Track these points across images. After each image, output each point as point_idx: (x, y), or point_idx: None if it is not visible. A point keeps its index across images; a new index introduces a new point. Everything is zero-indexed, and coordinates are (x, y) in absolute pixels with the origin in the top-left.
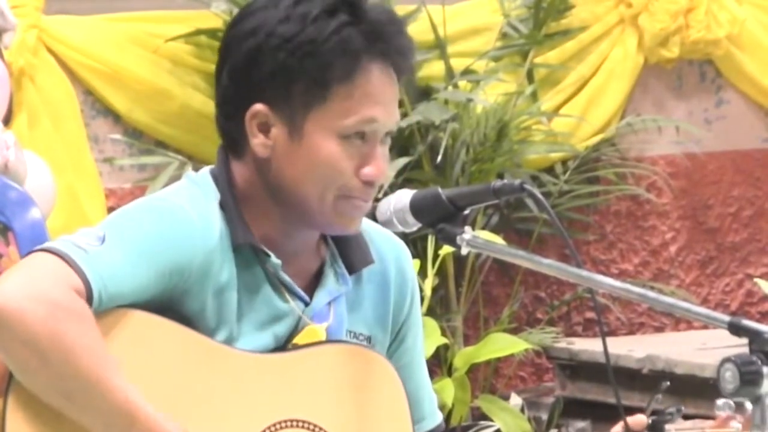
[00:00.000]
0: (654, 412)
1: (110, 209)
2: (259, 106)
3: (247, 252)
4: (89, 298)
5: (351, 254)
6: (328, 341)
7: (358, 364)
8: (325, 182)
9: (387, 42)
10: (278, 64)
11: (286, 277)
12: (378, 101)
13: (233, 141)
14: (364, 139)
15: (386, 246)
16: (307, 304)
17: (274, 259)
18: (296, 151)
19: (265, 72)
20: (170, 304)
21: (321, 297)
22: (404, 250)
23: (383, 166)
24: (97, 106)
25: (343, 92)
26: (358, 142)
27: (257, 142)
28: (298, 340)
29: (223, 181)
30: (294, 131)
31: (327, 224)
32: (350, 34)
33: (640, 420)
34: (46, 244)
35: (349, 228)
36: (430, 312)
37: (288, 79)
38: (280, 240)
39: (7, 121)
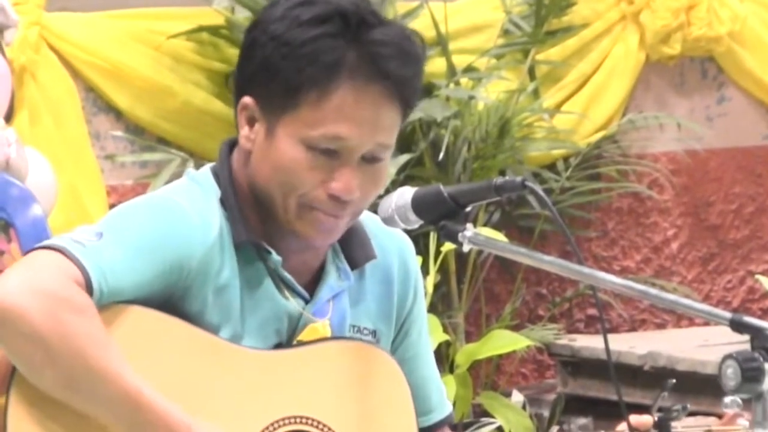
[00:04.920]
0: (659, 410)
1: (112, 206)
2: (248, 99)
3: (248, 249)
4: (89, 291)
5: (353, 249)
6: (332, 338)
7: (361, 360)
8: (286, 187)
9: (374, 64)
10: (263, 61)
11: (287, 275)
12: (350, 119)
13: (237, 131)
14: (335, 155)
15: (389, 240)
16: (307, 302)
17: (275, 256)
18: (267, 151)
19: (254, 66)
20: (171, 302)
21: (322, 293)
22: (407, 245)
23: (352, 185)
24: (98, 103)
25: (314, 102)
26: (326, 156)
27: (243, 133)
28: (302, 337)
29: (224, 177)
30: (269, 130)
31: (292, 229)
32: (329, 45)
33: (645, 420)
34: (44, 242)
35: (315, 239)
36: (431, 309)
37: (269, 77)
38: (280, 236)
39: (9, 118)
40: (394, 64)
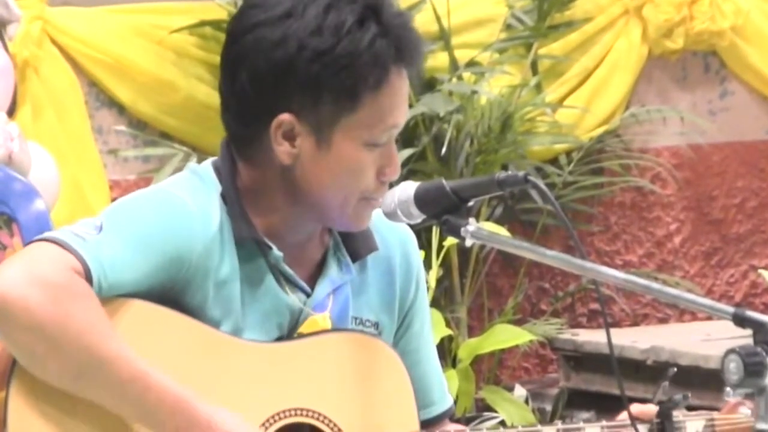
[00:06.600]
0: (660, 400)
1: (114, 201)
2: (285, 116)
3: (249, 244)
4: (89, 284)
5: (354, 242)
6: (333, 330)
7: (362, 352)
8: (350, 188)
9: (408, 50)
10: (311, 77)
11: (288, 269)
12: (398, 105)
13: (246, 144)
14: (384, 142)
15: (391, 233)
16: (308, 295)
17: (276, 252)
18: (323, 159)
19: (295, 83)
20: (173, 295)
21: (323, 287)
22: (409, 237)
23: (398, 164)
24: (101, 98)
25: (372, 102)
26: (379, 146)
27: (282, 150)
28: (302, 329)
29: (227, 174)
30: (321, 140)
31: (342, 224)
32: (382, 46)
33: (647, 410)
34: (44, 234)
35: (362, 226)
36: (434, 303)
37: (318, 91)
38: (284, 232)
39: (12, 112)
40: (419, 44)
